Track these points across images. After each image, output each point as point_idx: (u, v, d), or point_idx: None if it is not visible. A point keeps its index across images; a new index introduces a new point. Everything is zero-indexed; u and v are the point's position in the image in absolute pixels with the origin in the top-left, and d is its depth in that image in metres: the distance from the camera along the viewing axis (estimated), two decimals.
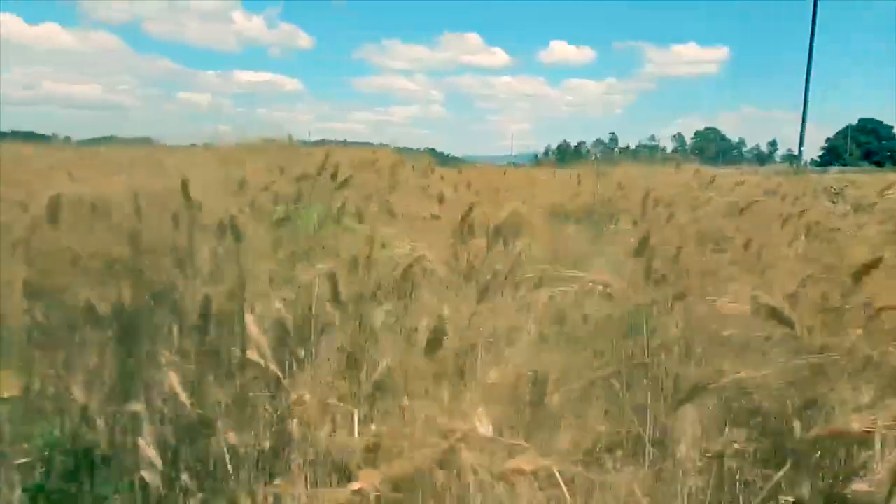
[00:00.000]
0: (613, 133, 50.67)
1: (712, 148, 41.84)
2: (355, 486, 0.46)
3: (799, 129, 19.41)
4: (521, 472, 0.49)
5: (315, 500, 0.71)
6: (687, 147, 45.87)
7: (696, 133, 48.20)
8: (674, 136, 48.89)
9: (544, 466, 0.49)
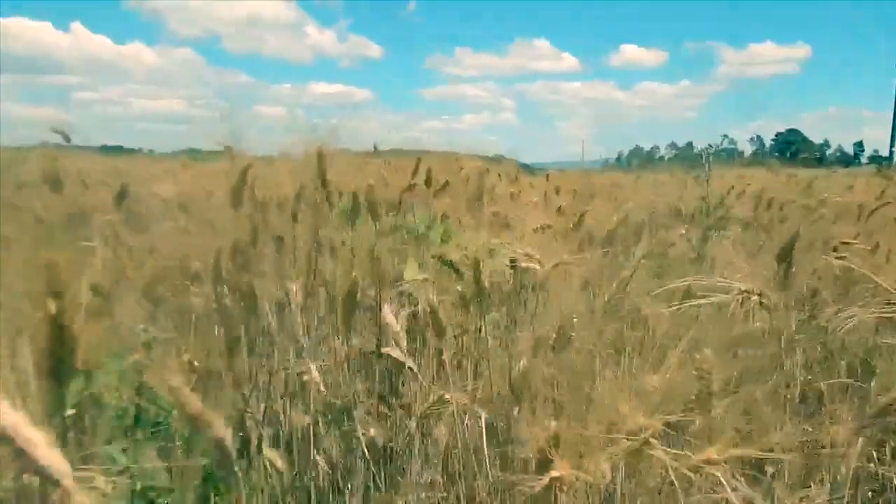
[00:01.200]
0: (689, 142, 49.46)
1: (794, 150, 40.29)
2: (553, 473, 0.43)
3: (890, 129, 18.45)
4: (713, 462, 0.48)
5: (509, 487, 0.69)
6: (766, 149, 44.33)
7: (777, 135, 46.53)
8: (752, 138, 47.36)
9: (736, 455, 0.49)
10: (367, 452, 0.94)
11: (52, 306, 0.41)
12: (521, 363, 0.75)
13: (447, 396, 0.84)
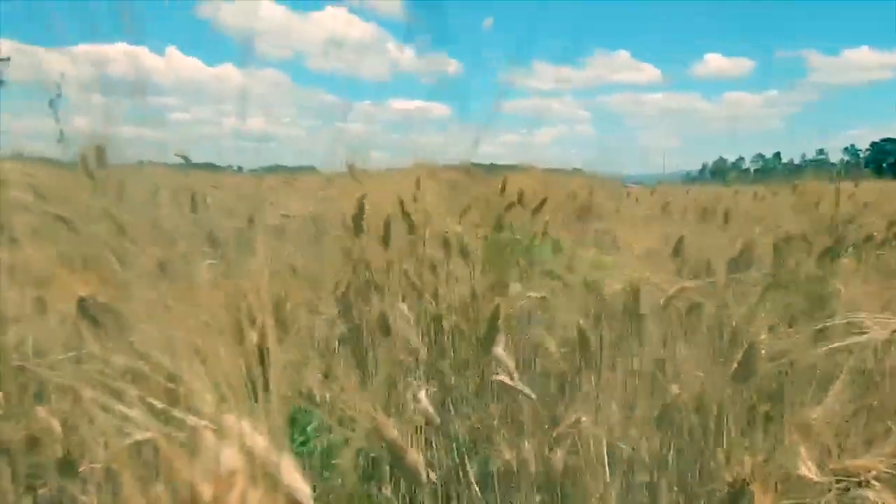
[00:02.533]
0: (777, 152, 47.66)
1: (892, 161, 38.14)
2: None
3: None
4: None
5: None
6: (861, 160, 42.13)
7: (872, 144, 44.15)
8: (845, 148, 45.11)
9: None
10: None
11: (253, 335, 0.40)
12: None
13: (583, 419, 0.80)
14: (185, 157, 1.29)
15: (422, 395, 1.01)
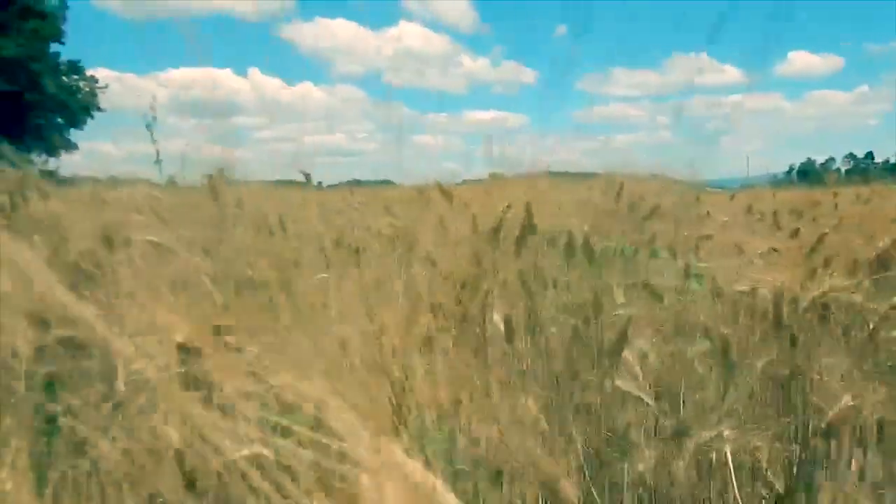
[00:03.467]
0: (869, 152, 45.30)
1: None
2: None
3: None
4: None
5: None
6: None
7: None
8: None
9: None
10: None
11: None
12: None
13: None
14: (306, 175, 1.32)
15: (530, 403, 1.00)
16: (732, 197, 2.87)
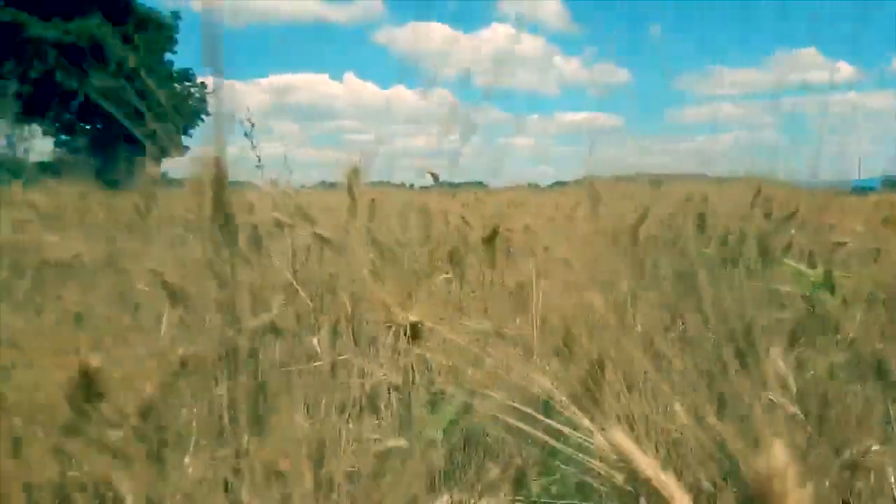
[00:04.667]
0: None
1: None
2: None
3: None
4: None
5: None
6: None
7: None
8: None
9: None
10: None
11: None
12: None
13: None
14: (434, 177, 1.35)
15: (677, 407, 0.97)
16: (863, 199, 2.71)
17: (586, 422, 0.44)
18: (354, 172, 1.13)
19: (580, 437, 0.43)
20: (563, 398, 0.47)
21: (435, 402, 0.86)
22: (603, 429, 0.40)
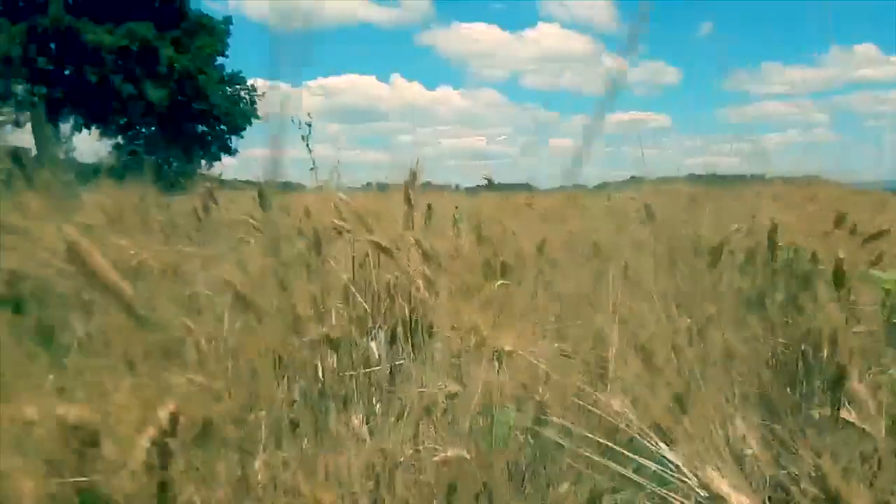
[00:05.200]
0: None
1: None
2: None
3: None
4: None
5: None
6: None
7: None
8: None
9: None
10: None
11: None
12: None
13: None
14: (489, 180, 1.34)
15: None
16: None
17: (670, 454, 0.42)
18: (411, 179, 1.12)
19: (662, 471, 0.41)
20: (643, 427, 0.45)
21: (496, 414, 0.85)
22: (696, 467, 0.39)
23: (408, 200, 1.11)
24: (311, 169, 4.13)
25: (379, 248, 0.96)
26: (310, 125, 3.98)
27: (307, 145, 3.95)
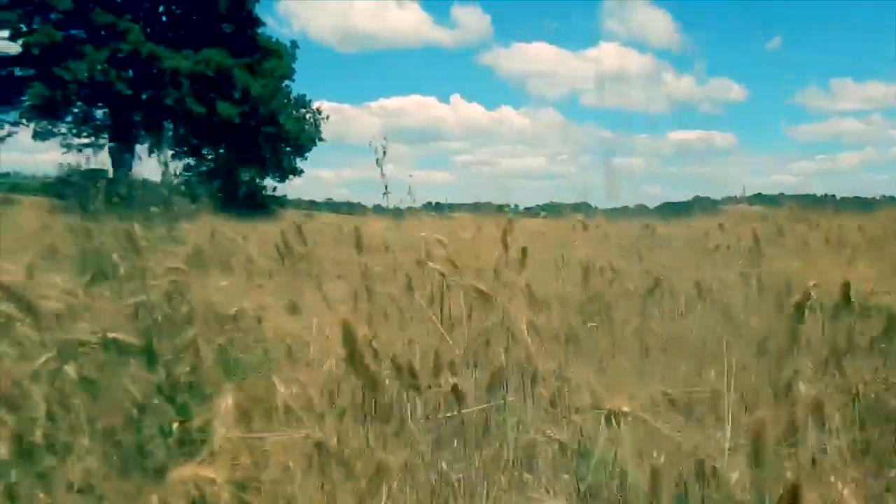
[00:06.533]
0: None
1: None
2: None
3: None
4: None
5: None
6: None
7: None
8: None
9: None
10: None
11: None
12: None
13: None
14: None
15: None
16: None
17: None
18: (509, 226, 1.14)
19: None
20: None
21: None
22: None
23: (504, 243, 1.13)
24: (385, 194, 4.13)
25: (479, 293, 0.97)
26: (385, 150, 3.98)
27: (381, 169, 3.96)
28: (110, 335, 0.88)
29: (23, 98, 16.06)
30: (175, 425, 0.88)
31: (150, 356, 0.93)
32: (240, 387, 0.78)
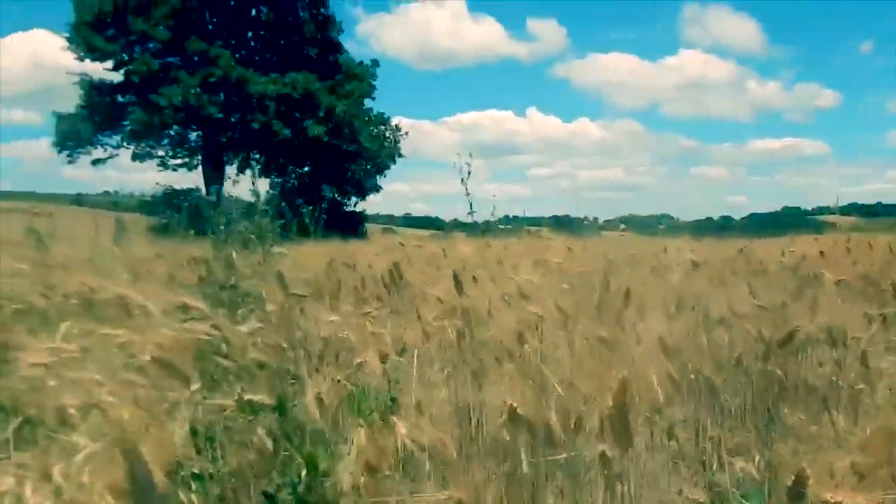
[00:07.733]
0: None
1: None
2: None
3: None
4: None
5: None
6: None
7: None
8: None
9: None
10: None
11: None
12: None
13: None
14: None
15: None
16: None
17: None
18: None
19: None
20: None
21: None
22: None
23: (605, 283, 1.14)
24: (469, 213, 4.13)
25: (601, 340, 0.99)
26: (470, 170, 3.99)
27: (465, 188, 3.98)
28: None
29: (124, 122, 17.08)
30: (303, 473, 0.93)
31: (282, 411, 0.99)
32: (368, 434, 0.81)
